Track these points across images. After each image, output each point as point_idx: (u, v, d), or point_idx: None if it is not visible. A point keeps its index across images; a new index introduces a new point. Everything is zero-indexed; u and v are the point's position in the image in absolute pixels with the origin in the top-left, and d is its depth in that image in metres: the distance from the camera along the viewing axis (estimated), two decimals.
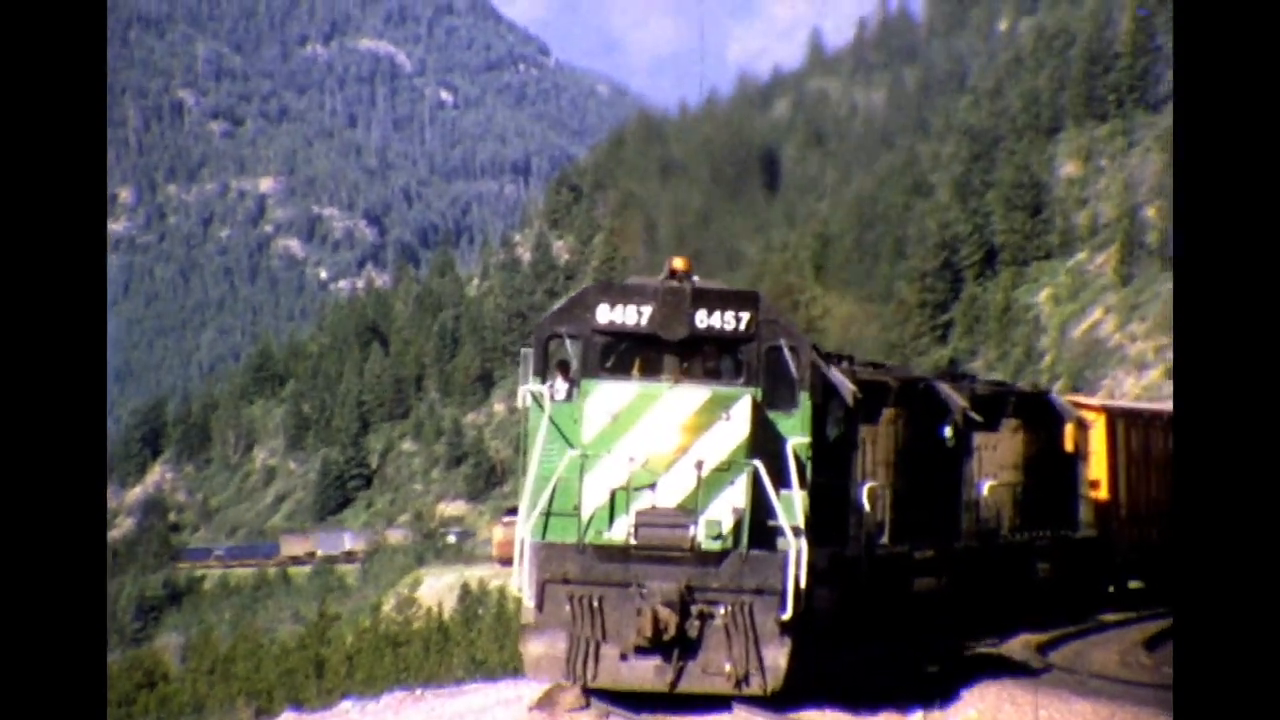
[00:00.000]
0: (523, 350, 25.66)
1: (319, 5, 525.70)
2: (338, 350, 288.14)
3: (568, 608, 22.55)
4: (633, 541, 22.82)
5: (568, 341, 24.90)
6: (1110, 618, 49.35)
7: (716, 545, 22.79)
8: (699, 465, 22.93)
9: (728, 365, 24.75)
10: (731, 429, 23.09)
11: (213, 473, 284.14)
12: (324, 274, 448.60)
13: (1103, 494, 52.47)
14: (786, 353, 24.47)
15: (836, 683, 26.55)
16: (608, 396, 23.48)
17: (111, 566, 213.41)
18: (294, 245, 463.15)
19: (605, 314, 24.37)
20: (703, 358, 24.56)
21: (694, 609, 22.43)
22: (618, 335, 24.57)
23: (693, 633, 22.39)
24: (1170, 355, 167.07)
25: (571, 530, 23.30)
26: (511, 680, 36.99)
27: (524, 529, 23.34)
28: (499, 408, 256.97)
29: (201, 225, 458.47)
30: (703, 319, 24.07)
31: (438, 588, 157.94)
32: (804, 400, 24.62)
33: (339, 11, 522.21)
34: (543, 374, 24.80)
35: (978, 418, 39.72)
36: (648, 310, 24.17)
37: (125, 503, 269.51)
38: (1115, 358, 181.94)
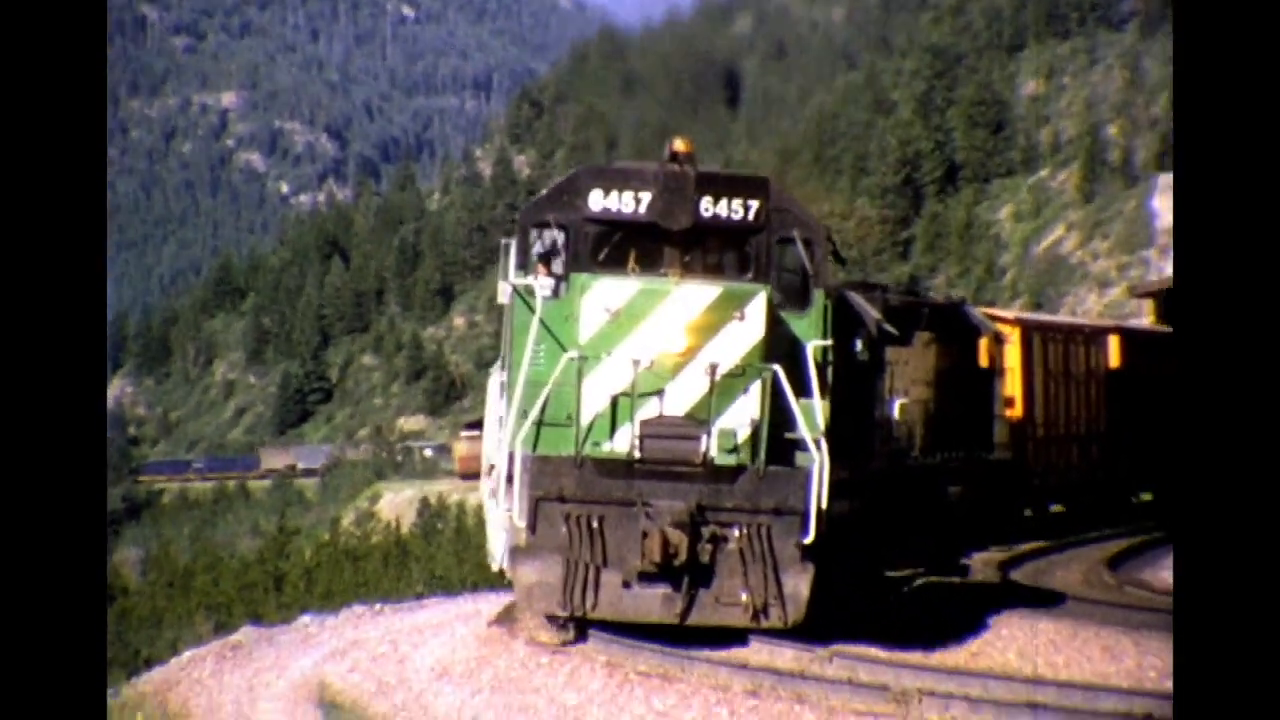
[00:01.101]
0: (503, 241, 23.28)
1: None
2: (298, 264, 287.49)
3: (564, 529, 20.16)
4: (637, 455, 20.46)
5: (556, 231, 22.16)
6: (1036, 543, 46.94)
7: (731, 460, 20.48)
8: (712, 369, 20.56)
9: (731, 259, 22.41)
10: (745, 330, 20.65)
11: (172, 386, 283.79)
12: (285, 188, 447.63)
13: (1018, 412, 48.77)
14: (800, 245, 22.10)
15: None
16: (606, 293, 20.97)
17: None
18: (255, 159, 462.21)
19: (599, 200, 21.84)
20: (705, 250, 22.16)
21: (705, 531, 20.14)
22: (612, 224, 22.06)
23: (704, 558, 20.13)
24: (1132, 273, 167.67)
25: (567, 442, 20.76)
26: (470, 595, 36.96)
27: (514, 440, 20.99)
28: (459, 321, 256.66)
29: (163, 140, 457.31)
30: (708, 207, 21.67)
31: (397, 502, 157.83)
32: (818, 298, 22.23)
33: None
34: (525, 267, 22.31)
35: (892, 330, 37.08)
36: (647, 197, 21.73)
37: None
38: (1078, 275, 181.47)
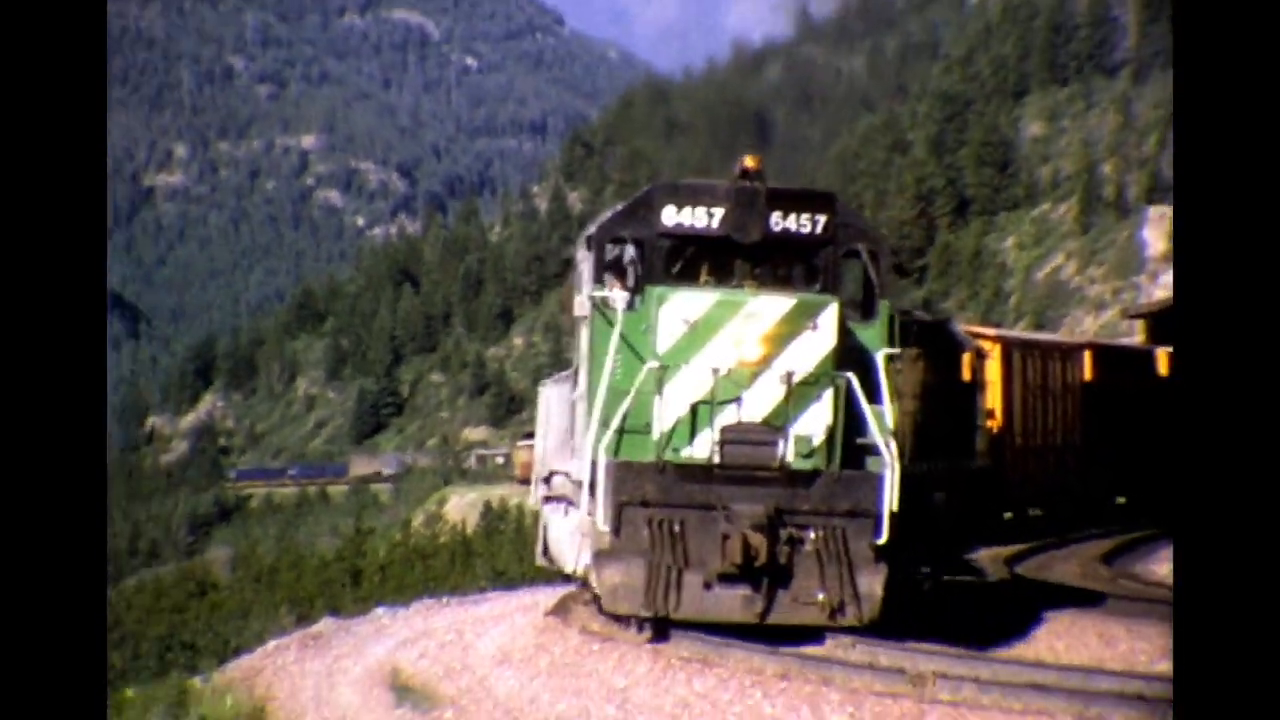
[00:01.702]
0: (578, 255, 22.13)
1: None
2: (372, 290, 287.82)
3: (646, 532, 18.86)
4: (717, 460, 19.11)
5: (630, 246, 20.85)
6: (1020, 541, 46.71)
7: (807, 464, 19.19)
8: (787, 377, 19.22)
9: (800, 271, 20.93)
10: (818, 339, 19.41)
11: (258, 401, 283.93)
12: (360, 221, 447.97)
13: (998, 423, 47.79)
14: (865, 257, 20.86)
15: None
16: (684, 304, 19.56)
17: (166, 486, 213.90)
18: (333, 196, 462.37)
19: (672, 216, 20.41)
20: (775, 263, 20.73)
21: (783, 533, 18.80)
22: (685, 238, 20.58)
23: (782, 559, 18.82)
24: (1124, 296, 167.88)
25: (646, 449, 19.45)
26: (528, 589, 36.69)
27: (596, 448, 19.44)
28: (518, 341, 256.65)
29: (249, 178, 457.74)
30: (778, 221, 20.32)
31: (462, 505, 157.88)
32: (883, 309, 20.92)
33: None
34: (600, 281, 20.74)
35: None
36: (719, 212, 20.31)
37: (180, 429, 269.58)
38: (1075, 299, 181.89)
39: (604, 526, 19.09)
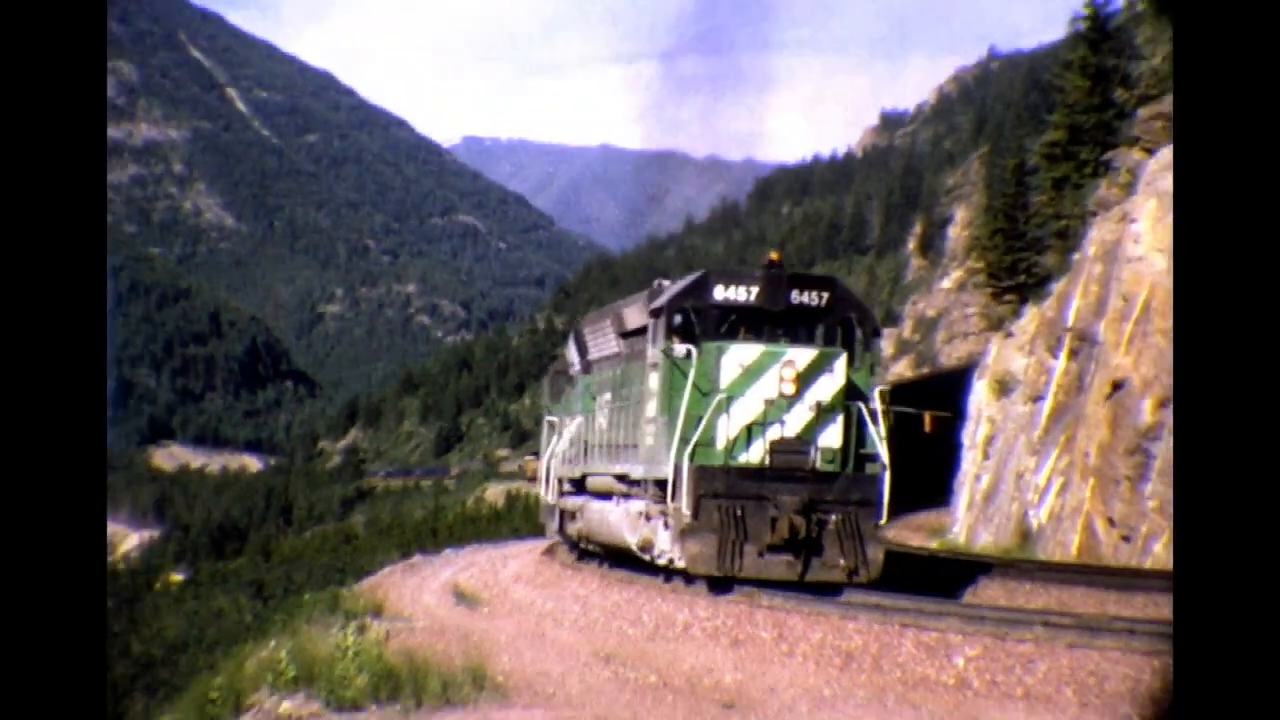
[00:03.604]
0: (651, 323, 18.75)
1: (437, 196, 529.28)
2: (445, 373, 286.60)
3: (717, 516, 16.65)
4: (767, 464, 16.92)
5: (691, 314, 18.10)
6: None
7: (830, 467, 17.06)
8: (815, 405, 17.04)
9: (808, 332, 18.39)
10: (834, 379, 17.22)
11: (381, 434, 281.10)
12: (439, 333, 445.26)
13: None
14: (855, 322, 18.34)
15: None
16: (739, 353, 17.27)
17: (329, 480, 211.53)
18: (425, 319, 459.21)
19: (721, 292, 18.08)
20: (792, 325, 18.17)
21: (814, 517, 16.70)
22: (729, 308, 18.05)
23: (814, 535, 16.69)
24: None
25: (709, 456, 17.10)
26: (532, 540, 36.39)
27: (679, 456, 17.05)
28: (526, 402, 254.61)
29: (377, 309, 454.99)
30: (796, 296, 18.05)
31: (495, 493, 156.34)
32: (866, 359, 18.52)
33: (448, 200, 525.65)
34: (669, 339, 17.98)
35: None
36: (755, 289, 18.01)
37: (336, 448, 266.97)
38: None
39: (687, 512, 16.77)
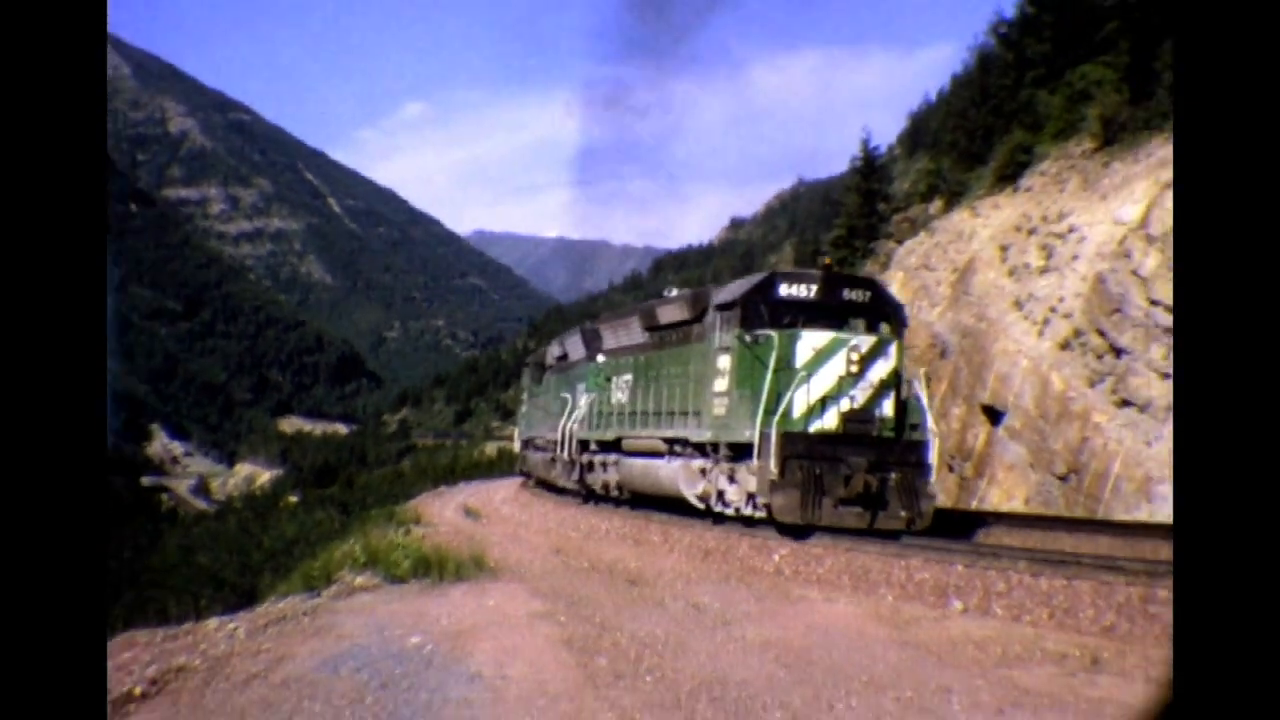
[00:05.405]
0: (716, 317, 14.95)
1: (456, 266, 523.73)
2: (461, 374, 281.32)
3: (800, 474, 12.77)
4: (840, 430, 12.99)
5: (762, 306, 13.96)
6: None
7: (889, 434, 13.13)
8: (877, 382, 13.23)
9: (850, 324, 14.19)
10: (888, 361, 13.34)
11: (421, 411, 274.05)
12: (458, 350, 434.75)
13: None
14: (892, 314, 14.26)
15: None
16: (812, 339, 13.42)
17: (387, 440, 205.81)
18: (450, 343, 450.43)
19: (785, 289, 14.14)
20: (842, 318, 14.05)
21: (878, 475, 12.79)
22: (791, 303, 13.96)
23: (878, 490, 12.72)
24: None
25: (788, 424, 13.02)
26: (513, 478, 34.31)
27: (765, 423, 13.14)
28: (511, 393, 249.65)
29: (420, 335, 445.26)
30: (846, 293, 14.08)
31: (491, 449, 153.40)
32: (898, 347, 14.02)
33: (464, 269, 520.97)
34: (745, 327, 14.18)
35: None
36: (814, 287, 14.14)
37: (393, 421, 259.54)
38: None
39: (773, 468, 12.83)
